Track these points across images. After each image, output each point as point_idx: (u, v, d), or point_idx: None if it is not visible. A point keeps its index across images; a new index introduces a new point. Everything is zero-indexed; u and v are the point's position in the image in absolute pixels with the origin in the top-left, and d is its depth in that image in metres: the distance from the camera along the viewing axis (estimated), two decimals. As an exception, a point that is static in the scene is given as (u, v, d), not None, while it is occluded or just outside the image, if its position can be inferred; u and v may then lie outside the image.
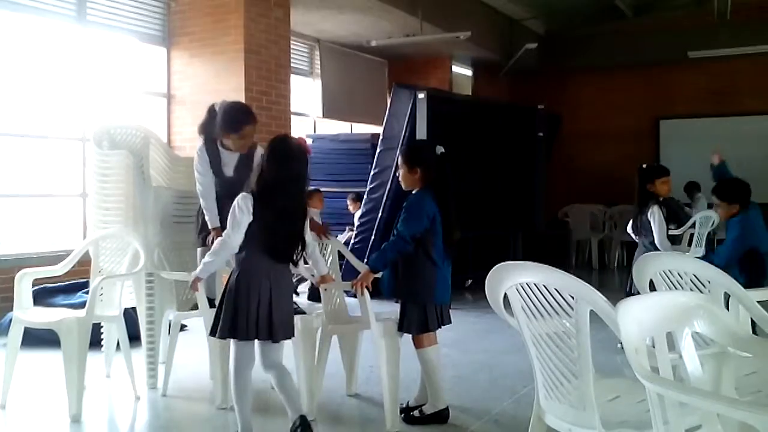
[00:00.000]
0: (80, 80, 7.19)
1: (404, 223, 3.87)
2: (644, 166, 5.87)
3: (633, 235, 5.91)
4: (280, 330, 3.45)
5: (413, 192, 3.99)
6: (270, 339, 3.46)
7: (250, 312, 3.40)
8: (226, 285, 3.52)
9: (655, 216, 5.59)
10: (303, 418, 3.46)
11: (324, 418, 4.12)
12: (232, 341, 3.51)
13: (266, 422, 3.69)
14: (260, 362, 3.52)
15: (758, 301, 3.21)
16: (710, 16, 11.15)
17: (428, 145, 4.10)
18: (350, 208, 9.14)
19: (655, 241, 5.57)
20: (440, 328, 4.02)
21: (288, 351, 3.90)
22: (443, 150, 4.00)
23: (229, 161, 4.42)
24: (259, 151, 4.35)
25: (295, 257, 3.55)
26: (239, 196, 3.47)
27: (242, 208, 3.43)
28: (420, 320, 3.92)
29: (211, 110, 4.46)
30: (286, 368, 3.58)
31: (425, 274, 3.92)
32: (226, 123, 4.31)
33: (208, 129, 4.43)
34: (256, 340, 3.47)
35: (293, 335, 3.61)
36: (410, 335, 3.99)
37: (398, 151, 4.19)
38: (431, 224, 3.88)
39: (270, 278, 3.44)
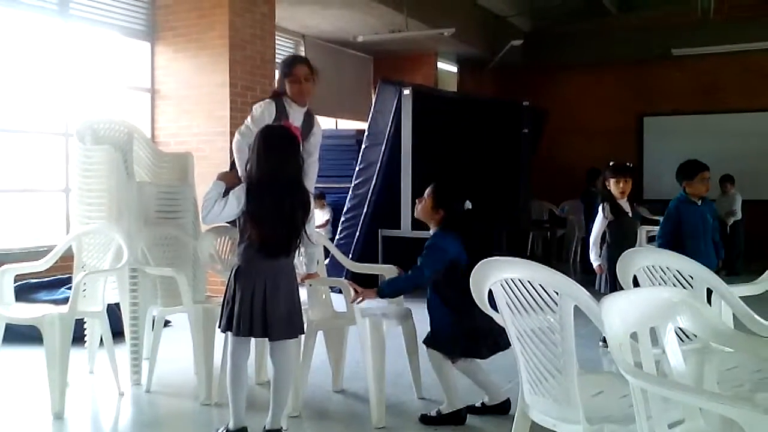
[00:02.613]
0: (63, 75, 7.13)
1: (426, 262, 3.90)
2: (611, 163, 5.87)
3: (594, 247, 5.94)
4: (276, 328, 3.40)
5: (434, 232, 4.00)
6: (265, 337, 3.44)
7: (243, 309, 3.38)
8: (228, 278, 3.52)
9: (602, 212, 5.71)
10: None
11: (310, 413, 4.12)
12: (228, 334, 3.49)
13: (251, 418, 3.67)
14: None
15: (740, 297, 3.24)
16: (694, 14, 11.23)
17: (460, 195, 4.04)
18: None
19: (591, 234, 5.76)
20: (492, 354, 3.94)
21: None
22: (470, 206, 4.01)
23: (296, 117, 4.31)
24: (319, 125, 4.40)
25: (290, 250, 3.49)
26: (237, 188, 3.47)
27: (239, 199, 3.42)
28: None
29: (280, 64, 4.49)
30: (288, 372, 3.53)
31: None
32: (281, 69, 4.36)
33: (280, 82, 4.35)
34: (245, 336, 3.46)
35: (297, 334, 3.54)
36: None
37: (429, 188, 4.09)
38: (457, 261, 3.86)
39: (266, 274, 3.40)
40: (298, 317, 3.52)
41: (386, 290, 4.04)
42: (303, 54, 10.66)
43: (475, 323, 3.69)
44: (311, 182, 4.29)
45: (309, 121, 4.35)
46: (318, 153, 4.39)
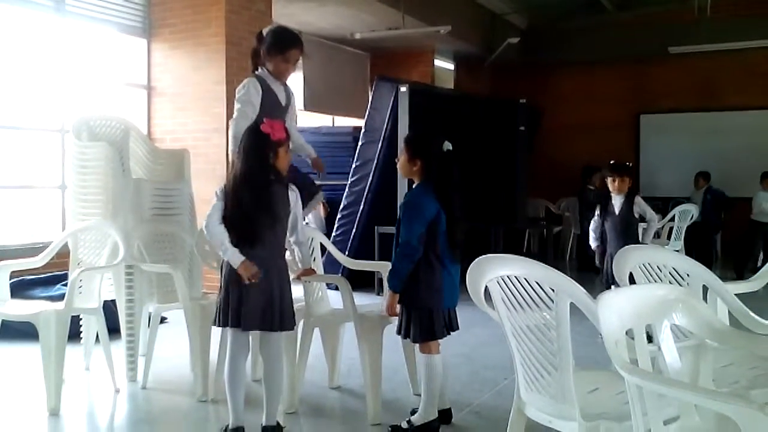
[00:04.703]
0: (59, 71, 7.12)
1: (406, 227, 3.57)
2: (629, 164, 6.23)
3: (592, 234, 6.23)
4: (250, 319, 3.40)
5: (413, 186, 3.75)
6: (239, 327, 3.44)
7: (222, 300, 3.45)
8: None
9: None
10: (269, 429, 3.47)
11: (306, 410, 4.12)
12: (228, 330, 3.51)
13: (249, 414, 3.67)
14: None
15: (735, 294, 3.25)
16: (690, 12, 11.23)
17: (436, 138, 3.72)
18: None
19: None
20: (449, 335, 3.71)
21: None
22: (451, 147, 3.68)
23: (279, 90, 4.27)
24: (294, 95, 4.42)
25: (252, 242, 3.43)
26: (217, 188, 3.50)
27: (218, 196, 3.47)
28: (426, 327, 3.61)
29: (260, 36, 4.25)
30: (276, 367, 3.51)
31: (432, 276, 3.60)
32: (271, 43, 4.16)
33: (256, 53, 4.24)
34: (252, 330, 3.50)
35: (274, 327, 3.46)
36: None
37: (402, 140, 3.89)
38: (435, 223, 3.59)
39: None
40: (276, 311, 3.45)
41: (394, 283, 3.61)
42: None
43: (453, 274, 3.64)
44: (297, 142, 4.39)
45: (288, 92, 4.36)
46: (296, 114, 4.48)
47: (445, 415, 3.83)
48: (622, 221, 5.99)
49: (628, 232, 5.98)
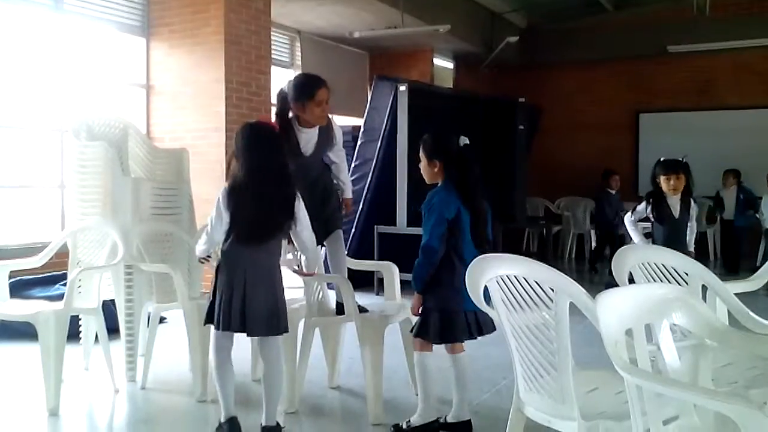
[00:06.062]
0: (58, 70, 7.11)
1: (426, 228, 3.55)
2: (683, 159, 5.47)
3: (632, 227, 5.57)
4: (255, 325, 3.39)
5: (436, 187, 3.69)
6: (243, 332, 3.44)
7: (223, 303, 3.41)
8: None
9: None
10: (269, 429, 3.47)
11: (307, 410, 4.12)
12: (212, 328, 3.51)
13: (246, 415, 3.67)
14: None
15: (734, 293, 3.25)
16: (689, 11, 11.24)
17: (450, 136, 3.70)
18: None
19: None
20: (473, 338, 3.63)
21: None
22: (467, 141, 3.68)
23: (309, 139, 4.25)
24: (337, 127, 4.39)
25: (262, 237, 3.45)
26: (220, 192, 3.47)
27: (220, 203, 3.44)
28: (445, 328, 3.55)
29: (281, 93, 4.25)
30: (276, 368, 3.52)
31: (452, 276, 3.52)
32: (298, 93, 4.15)
33: (283, 113, 4.22)
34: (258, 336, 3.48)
35: (279, 332, 3.47)
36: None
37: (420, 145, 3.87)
38: (456, 221, 3.54)
39: (245, 270, 3.40)
40: (281, 315, 3.48)
41: (417, 285, 3.58)
42: (299, 50, 10.65)
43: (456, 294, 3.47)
44: (344, 172, 4.50)
45: (326, 131, 4.31)
46: (341, 143, 4.48)
47: (464, 428, 3.70)
48: (681, 225, 5.33)
49: (682, 236, 5.32)
